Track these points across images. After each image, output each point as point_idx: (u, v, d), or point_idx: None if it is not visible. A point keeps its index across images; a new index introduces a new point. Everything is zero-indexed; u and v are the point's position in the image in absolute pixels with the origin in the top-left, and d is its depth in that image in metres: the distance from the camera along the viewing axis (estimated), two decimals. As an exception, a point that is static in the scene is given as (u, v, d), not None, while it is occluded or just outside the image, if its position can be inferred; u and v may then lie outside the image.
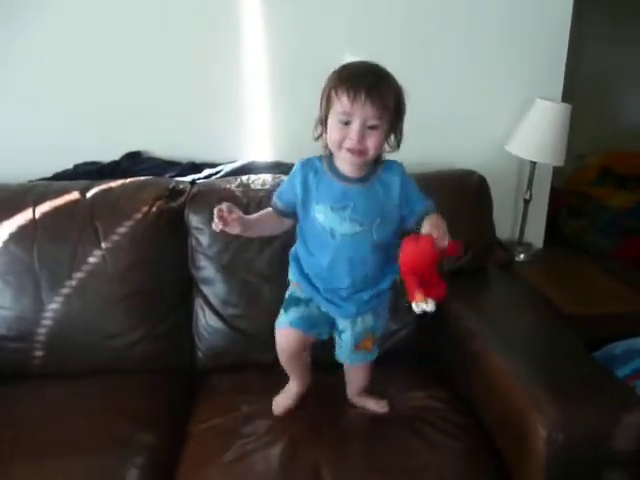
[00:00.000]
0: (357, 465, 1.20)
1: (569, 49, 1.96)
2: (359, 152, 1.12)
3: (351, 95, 1.08)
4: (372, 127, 1.11)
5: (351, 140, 1.11)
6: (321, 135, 1.19)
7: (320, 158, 1.23)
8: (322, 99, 1.16)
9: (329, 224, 1.19)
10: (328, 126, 1.15)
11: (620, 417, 1.08)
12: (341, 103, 1.10)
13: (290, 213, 1.27)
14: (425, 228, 1.10)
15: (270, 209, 1.30)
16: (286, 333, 1.26)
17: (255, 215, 1.30)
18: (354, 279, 1.23)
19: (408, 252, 1.06)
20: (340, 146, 1.14)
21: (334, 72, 1.15)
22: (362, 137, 1.11)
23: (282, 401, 1.37)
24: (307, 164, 1.23)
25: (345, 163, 1.18)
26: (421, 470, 1.19)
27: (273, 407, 1.36)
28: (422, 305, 1.04)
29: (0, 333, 1.52)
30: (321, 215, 1.20)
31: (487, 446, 1.26)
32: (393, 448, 1.24)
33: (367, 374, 1.38)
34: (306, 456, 1.21)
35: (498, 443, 1.25)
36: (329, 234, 1.20)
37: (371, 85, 1.09)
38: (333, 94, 1.12)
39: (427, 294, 1.04)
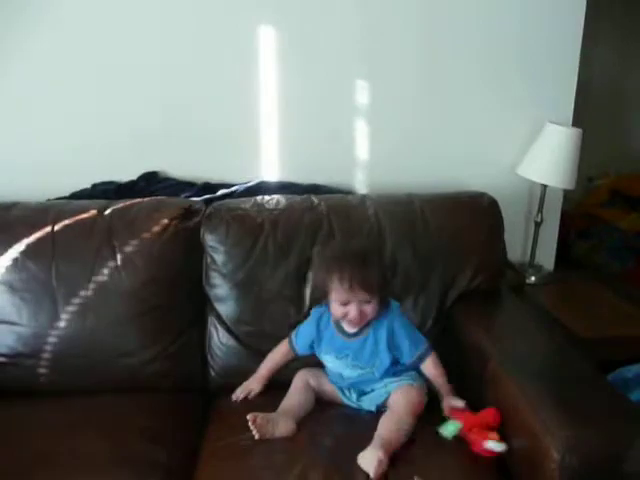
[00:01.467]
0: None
1: (580, 71, 1.98)
2: (359, 321, 1.36)
3: (345, 286, 1.31)
4: (367, 302, 1.34)
5: (351, 316, 1.35)
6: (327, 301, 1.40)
7: (328, 312, 1.43)
8: (320, 278, 1.40)
9: (336, 369, 1.44)
10: (330, 302, 1.38)
11: (635, 440, 1.07)
12: (337, 292, 1.34)
13: (302, 353, 1.50)
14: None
15: (286, 347, 1.51)
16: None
17: (269, 364, 1.52)
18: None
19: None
20: (343, 319, 1.38)
21: (324, 257, 1.45)
22: (362, 312, 1.35)
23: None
24: (319, 315, 1.47)
25: (346, 325, 1.41)
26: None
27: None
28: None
29: (16, 350, 1.54)
30: (329, 363, 1.45)
31: (499, 468, 1.26)
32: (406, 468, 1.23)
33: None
34: (319, 476, 1.20)
35: (510, 465, 1.24)
36: (339, 376, 1.44)
37: (359, 273, 1.31)
38: (329, 282, 1.34)
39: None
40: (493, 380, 1.33)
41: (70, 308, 1.54)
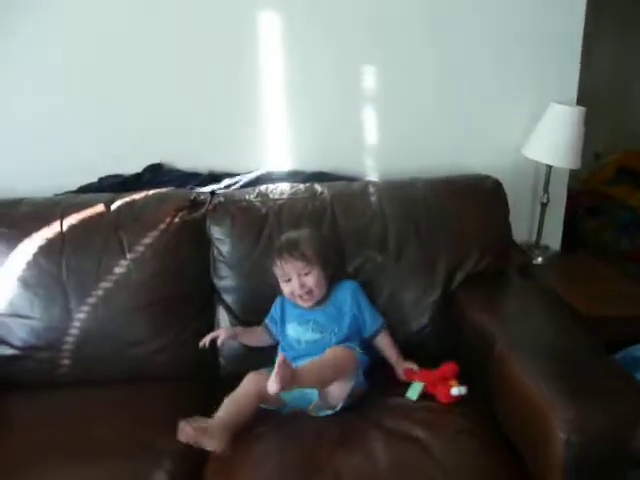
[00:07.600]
0: (376, 464, 1.22)
1: (585, 49, 1.96)
2: (307, 294, 1.48)
3: (279, 260, 1.47)
4: (306, 274, 1.47)
5: (295, 288, 1.47)
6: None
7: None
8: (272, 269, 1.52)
9: (297, 336, 1.51)
10: (280, 286, 1.51)
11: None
12: (277, 269, 1.49)
13: (273, 333, 1.57)
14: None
15: (261, 327, 1.58)
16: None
17: (247, 329, 1.59)
18: None
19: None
20: (292, 296, 1.50)
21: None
22: (303, 284, 1.47)
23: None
24: (283, 299, 1.56)
25: (301, 302, 1.51)
26: (441, 469, 1.19)
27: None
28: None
29: (30, 343, 1.57)
30: (291, 331, 1.53)
31: (506, 444, 1.27)
32: (412, 447, 1.25)
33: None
34: (329, 455, 1.24)
35: (517, 444, 1.26)
36: (296, 342, 1.51)
37: (289, 247, 1.47)
38: (273, 264, 1.50)
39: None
40: (499, 361, 1.33)
41: (81, 301, 1.57)
